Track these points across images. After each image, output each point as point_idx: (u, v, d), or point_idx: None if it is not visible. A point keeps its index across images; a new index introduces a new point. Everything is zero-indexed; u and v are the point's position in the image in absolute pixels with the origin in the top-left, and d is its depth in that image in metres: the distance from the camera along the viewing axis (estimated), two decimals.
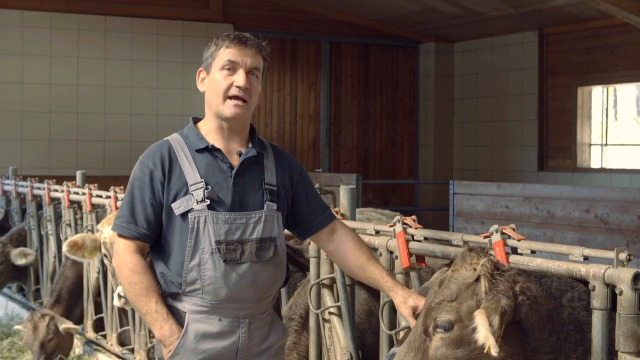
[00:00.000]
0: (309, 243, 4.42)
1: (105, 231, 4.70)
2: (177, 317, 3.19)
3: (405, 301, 3.25)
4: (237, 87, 3.20)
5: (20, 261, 7.86)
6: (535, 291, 2.87)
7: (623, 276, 2.81)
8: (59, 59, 12.96)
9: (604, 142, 13.47)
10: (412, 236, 3.87)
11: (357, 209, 7.04)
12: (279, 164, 3.37)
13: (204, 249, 3.15)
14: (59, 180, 8.15)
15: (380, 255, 3.97)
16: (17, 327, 6.93)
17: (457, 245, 3.67)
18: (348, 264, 3.46)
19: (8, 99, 12.71)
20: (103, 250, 4.78)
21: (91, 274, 6.84)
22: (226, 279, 3.17)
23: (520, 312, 2.81)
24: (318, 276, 4.37)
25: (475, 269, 2.84)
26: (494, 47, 14.67)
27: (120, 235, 3.23)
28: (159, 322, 3.16)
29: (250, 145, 3.31)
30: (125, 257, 3.19)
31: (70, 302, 6.95)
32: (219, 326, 3.20)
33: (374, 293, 4.31)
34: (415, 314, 3.19)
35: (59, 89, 12.96)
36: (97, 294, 6.90)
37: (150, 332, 5.89)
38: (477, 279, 2.82)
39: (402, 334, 3.69)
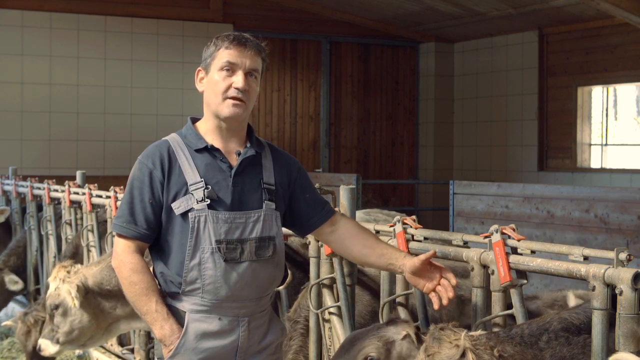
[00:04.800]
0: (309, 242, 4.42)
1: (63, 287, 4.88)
2: (177, 316, 3.20)
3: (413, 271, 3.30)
4: (236, 88, 3.21)
5: (13, 287, 7.94)
6: (512, 350, 2.88)
7: (623, 276, 2.81)
8: (59, 59, 12.95)
9: (604, 142, 13.46)
10: (412, 236, 3.87)
11: (364, 210, 7.07)
12: (277, 164, 3.38)
13: (204, 248, 3.16)
14: (59, 180, 8.14)
15: None
16: (6, 323, 6.88)
17: (457, 245, 3.67)
18: (356, 248, 3.42)
19: (8, 99, 12.70)
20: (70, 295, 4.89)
21: None
22: (226, 278, 3.17)
23: None
24: (318, 276, 4.37)
25: (457, 345, 2.83)
26: (494, 47, 14.67)
27: (119, 235, 3.23)
28: (159, 321, 3.16)
29: (248, 145, 3.32)
30: (125, 257, 3.20)
31: None
32: (219, 325, 3.20)
33: (377, 294, 4.31)
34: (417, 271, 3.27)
35: (59, 89, 12.95)
36: None
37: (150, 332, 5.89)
38: (463, 354, 2.81)
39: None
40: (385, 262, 3.37)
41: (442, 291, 3.23)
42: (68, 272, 5.05)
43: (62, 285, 4.99)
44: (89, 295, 4.97)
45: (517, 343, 2.92)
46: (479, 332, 3.10)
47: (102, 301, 5.00)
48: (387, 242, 3.93)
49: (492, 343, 2.87)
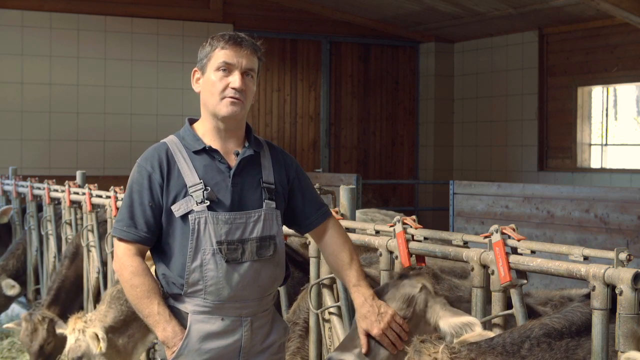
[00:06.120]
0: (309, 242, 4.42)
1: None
2: (179, 318, 3.20)
3: (363, 319, 3.28)
4: (233, 88, 3.20)
5: (10, 292, 7.93)
6: None
7: (623, 276, 2.81)
8: (59, 59, 12.96)
9: (604, 142, 13.46)
10: (412, 236, 3.87)
11: (361, 210, 7.07)
12: (276, 162, 3.38)
13: (205, 249, 3.16)
14: (59, 180, 8.15)
15: (380, 255, 3.97)
16: (8, 325, 6.88)
17: (458, 245, 3.67)
18: (330, 265, 3.60)
19: (8, 99, 12.71)
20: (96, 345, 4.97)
21: (91, 274, 6.84)
22: (228, 278, 3.17)
23: None
24: (318, 276, 4.37)
25: (436, 359, 2.83)
26: (494, 47, 14.67)
27: (120, 239, 3.22)
28: (161, 323, 3.16)
29: (246, 145, 3.32)
30: (125, 260, 3.19)
31: (67, 302, 6.85)
32: (221, 326, 3.20)
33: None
34: (366, 333, 3.25)
35: (59, 89, 12.96)
36: (97, 294, 6.90)
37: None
38: None
39: None
40: (347, 284, 3.48)
41: (393, 341, 3.23)
42: (85, 322, 5.09)
43: (82, 336, 5.01)
44: (108, 336, 5.02)
45: (499, 353, 2.90)
46: (479, 332, 3.09)
47: (119, 337, 5.07)
48: (387, 242, 3.94)
49: (473, 355, 2.86)
